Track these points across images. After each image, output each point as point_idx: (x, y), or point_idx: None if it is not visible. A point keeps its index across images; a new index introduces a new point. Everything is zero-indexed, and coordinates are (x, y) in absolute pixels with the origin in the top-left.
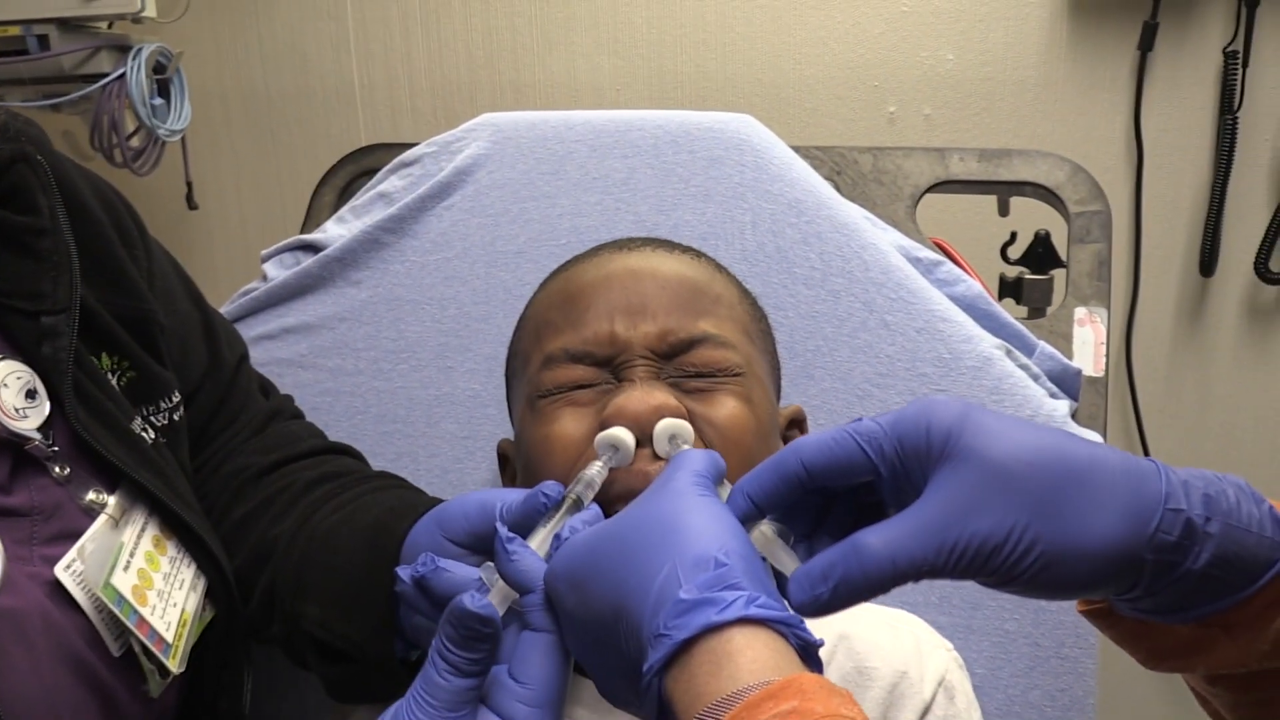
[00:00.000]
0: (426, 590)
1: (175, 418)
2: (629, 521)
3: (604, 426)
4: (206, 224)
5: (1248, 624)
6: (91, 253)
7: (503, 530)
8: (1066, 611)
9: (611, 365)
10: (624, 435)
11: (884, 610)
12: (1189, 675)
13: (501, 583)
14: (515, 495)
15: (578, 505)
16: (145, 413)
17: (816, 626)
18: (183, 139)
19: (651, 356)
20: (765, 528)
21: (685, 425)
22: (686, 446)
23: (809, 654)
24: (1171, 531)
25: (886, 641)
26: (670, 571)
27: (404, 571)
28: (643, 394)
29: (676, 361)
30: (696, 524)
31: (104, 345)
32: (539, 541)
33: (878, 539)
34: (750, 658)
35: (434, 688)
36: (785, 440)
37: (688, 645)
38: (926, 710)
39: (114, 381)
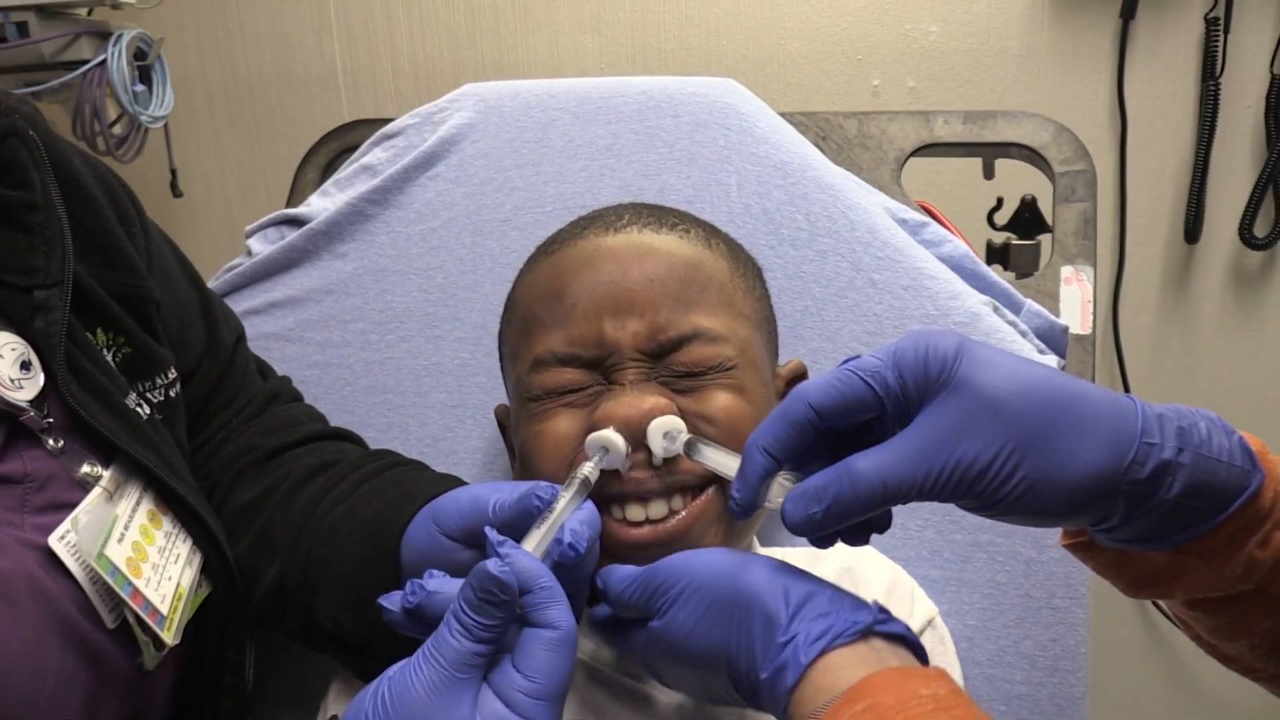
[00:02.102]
0: (421, 617)
1: (172, 394)
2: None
3: (594, 429)
4: (191, 210)
5: (1220, 550)
6: (87, 230)
7: (493, 535)
8: (1057, 563)
9: (601, 367)
10: (614, 436)
11: (888, 561)
12: (1169, 601)
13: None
14: (508, 494)
15: (575, 500)
16: (141, 389)
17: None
18: (165, 126)
19: (641, 358)
20: (784, 479)
21: (677, 420)
22: (684, 436)
23: (902, 641)
24: (1145, 463)
25: (882, 583)
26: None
27: (390, 602)
28: (633, 399)
29: (667, 361)
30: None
31: (99, 321)
32: (534, 544)
33: (869, 462)
34: (840, 673)
35: (444, 646)
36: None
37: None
38: None
39: (109, 357)
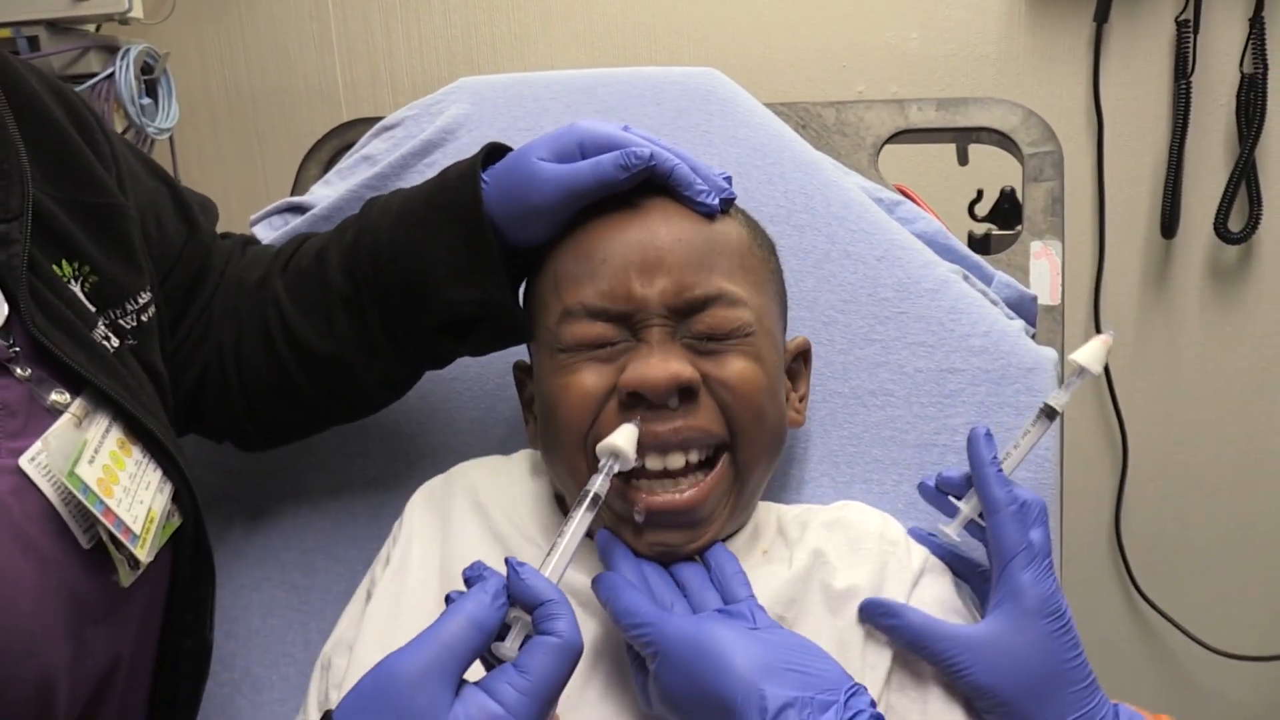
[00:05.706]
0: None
1: (144, 318)
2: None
3: (622, 388)
4: None
5: None
6: (51, 151)
7: (512, 559)
8: None
9: (629, 322)
10: (624, 445)
11: (875, 510)
12: None
13: (522, 618)
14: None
15: (587, 516)
16: (112, 316)
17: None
18: (171, 138)
19: (667, 315)
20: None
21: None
22: None
23: None
24: None
25: (874, 526)
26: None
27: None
28: (660, 361)
29: (690, 323)
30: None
31: (63, 253)
32: (550, 569)
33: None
34: None
35: (439, 631)
36: (790, 373)
37: None
38: (916, 581)
39: (77, 289)
